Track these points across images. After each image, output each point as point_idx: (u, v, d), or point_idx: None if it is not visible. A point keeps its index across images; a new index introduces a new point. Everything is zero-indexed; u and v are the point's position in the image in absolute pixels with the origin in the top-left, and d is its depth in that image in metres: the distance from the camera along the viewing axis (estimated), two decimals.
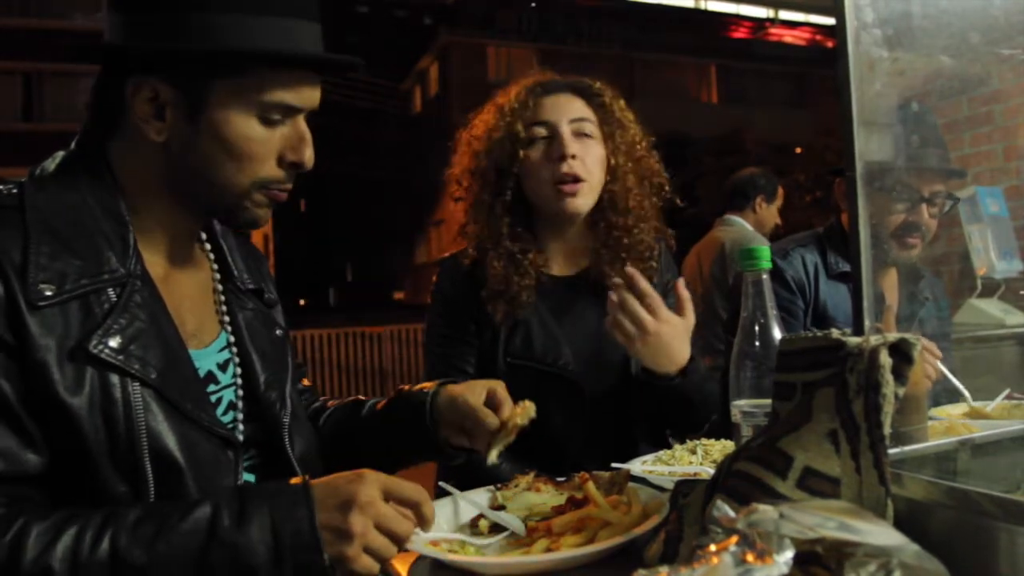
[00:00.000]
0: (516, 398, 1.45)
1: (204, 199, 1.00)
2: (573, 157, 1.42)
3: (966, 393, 1.40)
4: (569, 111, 1.46)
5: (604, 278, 1.48)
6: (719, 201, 3.53)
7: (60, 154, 1.00)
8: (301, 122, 0.99)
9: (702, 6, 23.93)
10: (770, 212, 3.51)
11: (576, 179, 1.42)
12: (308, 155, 0.99)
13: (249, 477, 1.07)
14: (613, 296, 1.28)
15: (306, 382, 1.32)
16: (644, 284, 1.28)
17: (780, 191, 3.57)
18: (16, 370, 0.86)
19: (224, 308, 1.09)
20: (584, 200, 1.44)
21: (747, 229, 3.39)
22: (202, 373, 1.02)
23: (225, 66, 0.93)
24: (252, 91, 0.94)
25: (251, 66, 0.93)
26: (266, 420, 1.07)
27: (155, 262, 1.00)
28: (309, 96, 0.97)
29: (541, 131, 1.45)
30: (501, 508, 1.00)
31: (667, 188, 1.55)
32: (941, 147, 1.46)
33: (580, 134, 1.45)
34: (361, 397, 1.29)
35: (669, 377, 1.32)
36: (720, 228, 3.41)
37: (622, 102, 1.53)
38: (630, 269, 1.30)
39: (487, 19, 21.89)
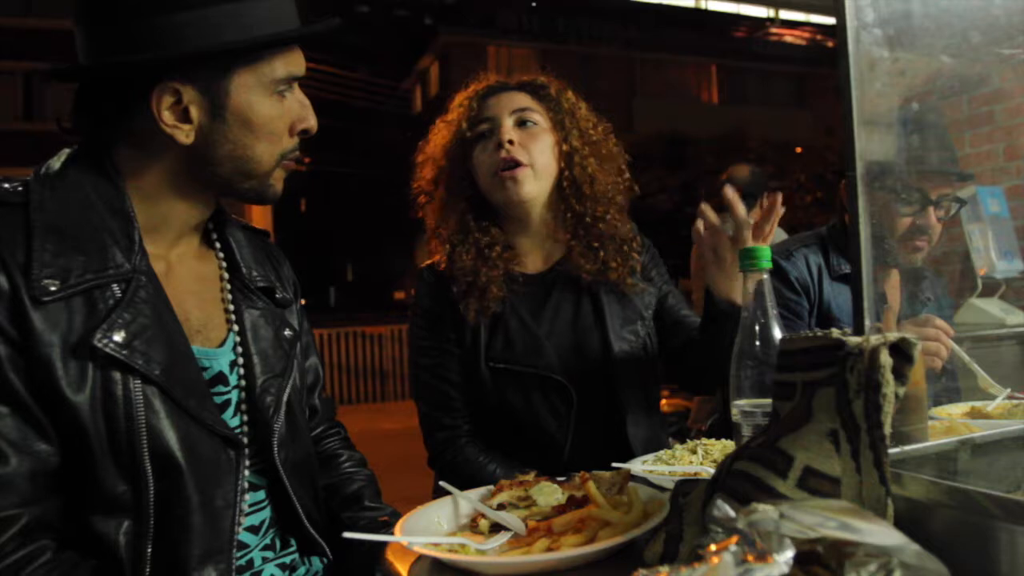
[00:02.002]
0: (502, 402, 1.45)
1: (230, 187, 1.02)
2: (511, 143, 1.42)
3: (982, 372, 1.39)
4: (511, 104, 1.47)
5: (579, 271, 1.48)
6: (719, 200, 3.49)
7: (65, 152, 1.00)
8: (298, 89, 1.04)
9: (703, 6, 23.89)
10: None
11: (516, 163, 1.42)
12: (314, 120, 1.05)
13: (254, 479, 1.07)
14: (700, 226, 1.36)
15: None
16: (739, 212, 1.33)
17: None
18: (23, 364, 0.86)
19: (231, 306, 1.09)
20: (527, 186, 1.44)
21: None
22: (213, 372, 1.02)
23: (241, 57, 0.96)
24: (266, 73, 0.98)
25: (264, 51, 0.97)
26: (258, 424, 1.07)
27: (158, 257, 1.01)
28: (302, 63, 1.04)
29: (484, 126, 1.47)
30: (502, 508, 1.00)
31: (627, 174, 1.55)
32: (948, 150, 1.46)
33: (523, 123, 1.46)
34: (366, 501, 1.24)
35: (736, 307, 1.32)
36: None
37: (570, 93, 1.53)
38: (729, 191, 1.35)
39: (488, 19, 21.87)
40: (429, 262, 1.55)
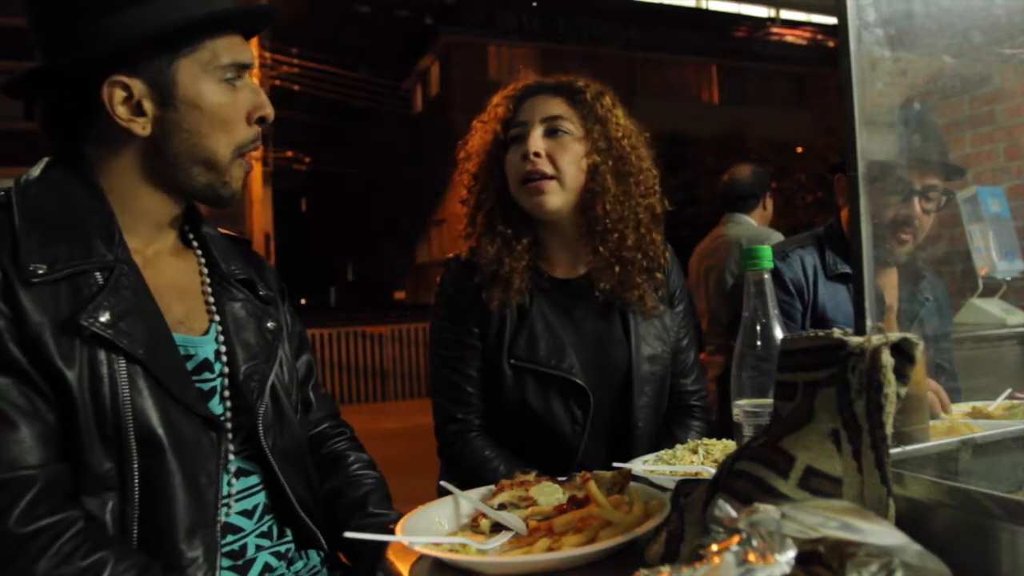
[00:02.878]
0: (520, 400, 1.45)
1: (189, 181, 1.04)
2: (536, 155, 1.41)
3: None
4: (544, 110, 1.45)
5: (600, 285, 1.46)
6: (720, 202, 3.48)
7: (44, 160, 1.04)
8: (251, 79, 1.07)
9: (703, 6, 23.91)
10: (771, 206, 3.50)
11: (542, 176, 1.41)
12: (270, 107, 1.07)
13: (245, 464, 1.10)
14: None
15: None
16: None
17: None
18: (19, 339, 0.90)
19: (212, 298, 1.12)
20: (553, 198, 1.42)
21: (755, 226, 3.35)
22: (199, 360, 1.05)
23: (181, 44, 0.99)
24: (209, 60, 1.01)
25: (202, 36, 1.00)
26: (242, 410, 1.09)
27: (136, 252, 1.04)
28: (248, 51, 1.06)
29: (517, 131, 1.46)
30: (503, 507, 1.00)
31: (657, 188, 1.50)
32: (936, 141, 1.45)
33: (553, 131, 1.43)
34: (371, 507, 1.21)
35: None
36: (730, 227, 3.35)
37: (607, 99, 1.48)
38: None
39: (488, 19, 21.87)
40: (456, 253, 1.55)
